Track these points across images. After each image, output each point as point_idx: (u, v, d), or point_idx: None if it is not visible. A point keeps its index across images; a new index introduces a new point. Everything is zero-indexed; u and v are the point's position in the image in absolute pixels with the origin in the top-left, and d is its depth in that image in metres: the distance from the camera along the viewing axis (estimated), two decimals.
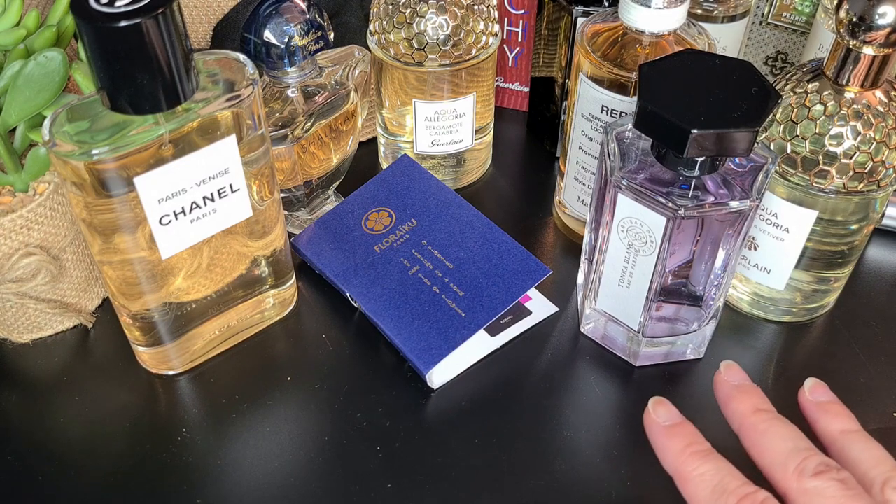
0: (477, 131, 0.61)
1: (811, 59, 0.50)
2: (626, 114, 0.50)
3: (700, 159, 0.41)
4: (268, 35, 0.49)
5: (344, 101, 0.55)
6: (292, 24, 0.49)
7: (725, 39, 0.59)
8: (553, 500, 0.44)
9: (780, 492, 0.38)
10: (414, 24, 0.54)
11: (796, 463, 0.38)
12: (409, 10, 0.54)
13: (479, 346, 0.51)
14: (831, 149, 0.44)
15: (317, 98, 0.53)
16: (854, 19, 0.42)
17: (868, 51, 0.42)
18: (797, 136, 0.45)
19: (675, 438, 0.40)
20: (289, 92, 0.52)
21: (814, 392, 0.43)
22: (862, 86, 0.44)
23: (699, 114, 0.39)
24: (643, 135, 0.43)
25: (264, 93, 0.52)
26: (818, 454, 0.39)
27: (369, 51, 0.57)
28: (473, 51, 0.56)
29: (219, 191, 0.43)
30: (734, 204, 0.42)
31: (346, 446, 0.46)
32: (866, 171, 0.45)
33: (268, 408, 0.48)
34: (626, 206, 0.43)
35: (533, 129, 0.69)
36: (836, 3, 0.45)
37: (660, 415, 0.41)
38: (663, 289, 0.47)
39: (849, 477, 0.38)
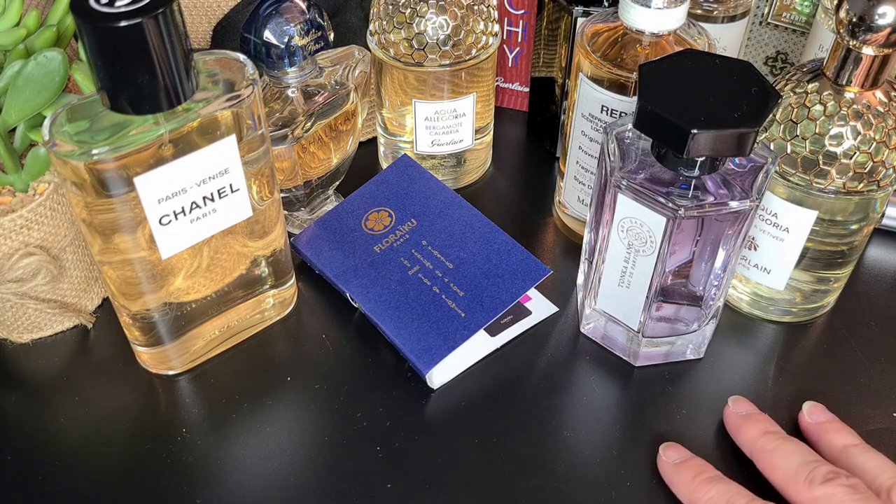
0: (477, 131, 0.61)
1: (811, 59, 0.50)
2: (626, 114, 0.50)
3: (700, 159, 0.41)
4: (268, 35, 0.49)
5: (344, 101, 0.55)
6: (292, 24, 0.49)
7: (725, 39, 0.59)
8: (553, 500, 0.44)
9: None
10: (414, 24, 0.54)
11: (806, 473, 0.40)
12: (409, 10, 0.54)
13: (479, 346, 0.51)
14: (831, 149, 0.44)
15: (317, 98, 0.53)
16: (854, 19, 0.42)
17: (868, 51, 0.42)
18: (797, 136, 0.45)
19: (683, 472, 0.43)
20: (289, 92, 0.52)
21: (812, 414, 0.46)
22: (862, 86, 0.44)
23: (699, 114, 0.39)
24: (643, 135, 0.43)
25: (264, 93, 0.52)
26: (826, 464, 0.40)
27: (369, 51, 0.57)
28: (473, 51, 0.56)
29: (219, 191, 0.43)
30: (734, 204, 0.42)
31: (346, 446, 0.46)
32: (866, 171, 0.45)
33: (268, 408, 0.48)
34: (626, 206, 0.43)
35: (533, 129, 0.69)
36: (836, 3, 0.45)
37: (669, 456, 0.44)
38: (663, 289, 0.47)
39: (858, 482, 0.39)
